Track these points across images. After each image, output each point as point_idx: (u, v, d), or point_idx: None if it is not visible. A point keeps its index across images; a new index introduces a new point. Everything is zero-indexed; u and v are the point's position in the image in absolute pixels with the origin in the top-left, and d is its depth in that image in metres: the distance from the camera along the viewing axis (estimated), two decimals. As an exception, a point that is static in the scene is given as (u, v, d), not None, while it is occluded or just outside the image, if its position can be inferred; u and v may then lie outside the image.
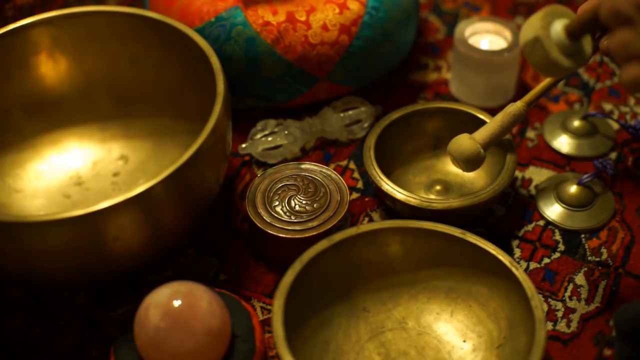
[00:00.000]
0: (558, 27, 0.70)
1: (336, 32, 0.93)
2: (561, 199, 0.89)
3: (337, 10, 0.93)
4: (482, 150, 0.83)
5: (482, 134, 0.83)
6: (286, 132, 0.93)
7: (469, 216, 0.86)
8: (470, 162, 0.83)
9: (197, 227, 0.86)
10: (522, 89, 1.00)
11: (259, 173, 0.90)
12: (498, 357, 0.74)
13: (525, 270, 0.84)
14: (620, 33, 0.64)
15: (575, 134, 0.95)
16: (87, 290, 0.84)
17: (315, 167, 0.87)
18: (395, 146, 0.91)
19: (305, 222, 0.82)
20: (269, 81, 0.94)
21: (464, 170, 0.84)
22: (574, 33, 0.70)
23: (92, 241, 0.72)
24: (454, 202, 0.83)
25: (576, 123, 0.95)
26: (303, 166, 0.88)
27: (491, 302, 0.77)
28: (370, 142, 0.88)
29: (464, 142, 0.83)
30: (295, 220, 0.83)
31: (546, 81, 0.84)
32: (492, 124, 0.84)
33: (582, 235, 0.87)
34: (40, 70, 0.91)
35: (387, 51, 0.97)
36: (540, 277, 0.84)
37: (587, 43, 0.72)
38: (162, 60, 0.90)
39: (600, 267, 0.84)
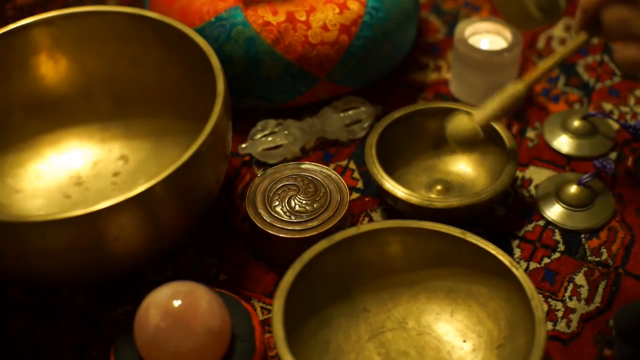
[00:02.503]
0: None
1: (336, 32, 0.93)
2: (561, 199, 0.89)
3: (337, 10, 0.93)
4: (480, 132, 0.82)
5: (482, 114, 0.82)
6: (286, 132, 0.93)
7: (470, 216, 0.86)
8: (467, 144, 0.82)
9: (197, 227, 0.86)
10: (522, 89, 1.00)
11: (259, 173, 0.90)
12: (498, 357, 0.74)
13: (525, 270, 0.84)
14: (618, 8, 0.61)
15: (575, 134, 0.95)
16: (87, 290, 0.84)
17: (315, 167, 0.87)
18: (397, 146, 0.91)
19: (305, 222, 0.82)
20: (269, 81, 0.94)
21: (459, 151, 0.83)
22: None
23: (92, 241, 0.72)
24: (454, 202, 0.83)
25: (576, 123, 0.95)
26: (303, 166, 0.87)
27: (491, 302, 0.77)
28: (372, 140, 0.88)
29: (462, 122, 0.82)
30: (295, 220, 0.83)
31: (547, 64, 0.82)
32: (492, 104, 0.82)
33: (582, 235, 0.87)
34: (40, 70, 0.91)
35: (387, 51, 0.97)
36: (540, 277, 0.84)
37: None
38: (162, 60, 0.90)
39: (600, 267, 0.84)
